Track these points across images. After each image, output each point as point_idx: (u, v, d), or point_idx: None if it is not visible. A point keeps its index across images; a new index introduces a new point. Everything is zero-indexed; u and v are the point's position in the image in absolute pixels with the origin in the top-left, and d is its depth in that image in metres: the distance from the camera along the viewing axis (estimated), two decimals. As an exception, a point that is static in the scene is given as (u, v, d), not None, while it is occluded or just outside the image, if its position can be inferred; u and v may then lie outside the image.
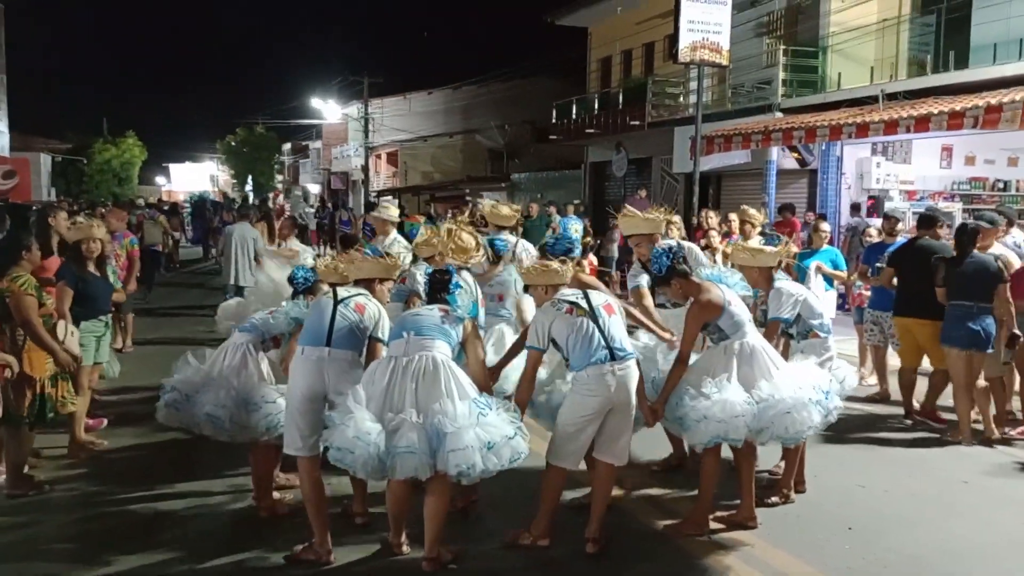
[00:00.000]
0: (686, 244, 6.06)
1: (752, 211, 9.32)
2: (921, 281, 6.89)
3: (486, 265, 5.59)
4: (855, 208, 14.45)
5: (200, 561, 4.45)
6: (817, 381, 4.71)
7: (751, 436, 4.61)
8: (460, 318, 4.37)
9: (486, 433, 3.97)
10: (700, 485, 4.87)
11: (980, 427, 6.86)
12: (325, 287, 4.94)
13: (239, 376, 4.87)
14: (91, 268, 6.36)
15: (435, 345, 4.19)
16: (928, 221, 7.37)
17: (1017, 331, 6.64)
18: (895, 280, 7.34)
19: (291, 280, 5.30)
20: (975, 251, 6.66)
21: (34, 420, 5.32)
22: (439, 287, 4.48)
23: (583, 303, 4.46)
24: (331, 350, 4.40)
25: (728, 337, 4.70)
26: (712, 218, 11.78)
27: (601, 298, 4.58)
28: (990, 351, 6.60)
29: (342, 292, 4.58)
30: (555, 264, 4.68)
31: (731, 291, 4.85)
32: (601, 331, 4.40)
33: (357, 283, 4.74)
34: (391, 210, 8.47)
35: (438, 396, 4.04)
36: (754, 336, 4.75)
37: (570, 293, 4.55)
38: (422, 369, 4.10)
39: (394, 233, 8.13)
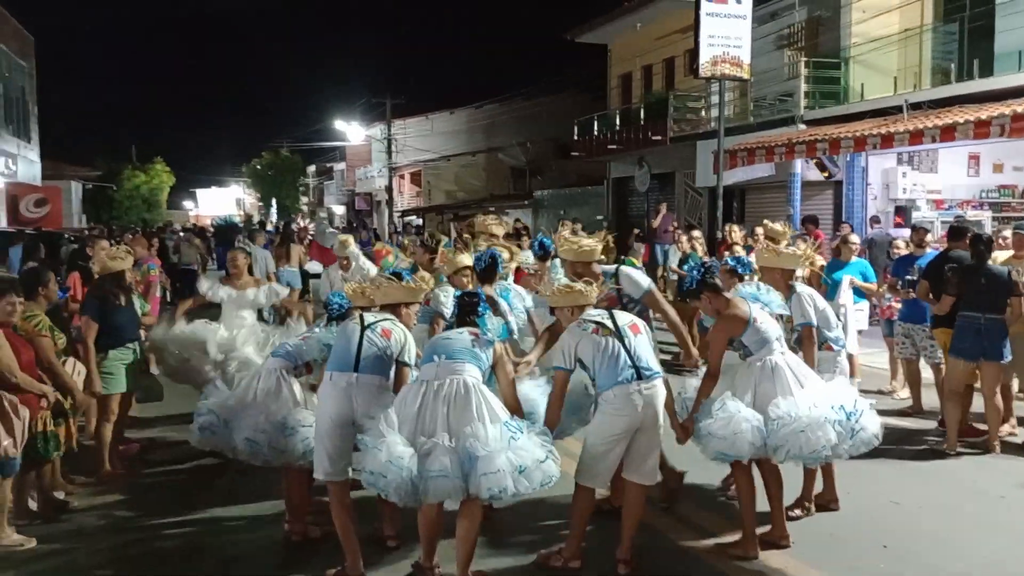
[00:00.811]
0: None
1: (776, 226, 9.23)
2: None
3: (535, 263, 5.56)
4: (875, 220, 14.31)
5: (234, 586, 4.49)
6: (841, 400, 4.66)
7: (768, 454, 4.59)
8: (490, 341, 4.39)
9: (518, 457, 3.97)
10: (740, 506, 4.83)
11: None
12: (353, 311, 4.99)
13: (276, 401, 4.90)
14: (116, 297, 6.40)
15: (466, 369, 4.21)
16: (958, 233, 7.31)
17: None
18: (930, 293, 7.25)
19: (326, 306, 5.32)
20: (990, 264, 6.66)
21: (34, 458, 5.19)
22: (468, 310, 4.51)
23: (608, 323, 4.47)
24: (359, 375, 4.43)
25: (752, 353, 4.71)
26: (736, 232, 11.74)
27: (627, 318, 4.60)
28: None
29: (369, 318, 4.61)
30: (580, 285, 4.70)
31: (760, 308, 4.85)
32: (627, 350, 4.41)
33: (383, 308, 4.77)
34: (349, 246, 9.34)
35: (470, 420, 4.05)
36: (780, 354, 4.74)
37: (596, 313, 4.56)
38: (453, 393, 4.12)
39: (356, 264, 9.06)
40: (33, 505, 5.47)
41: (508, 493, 3.95)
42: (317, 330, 5.24)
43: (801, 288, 5.40)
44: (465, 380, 4.16)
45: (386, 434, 4.05)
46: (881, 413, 7.72)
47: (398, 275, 5.00)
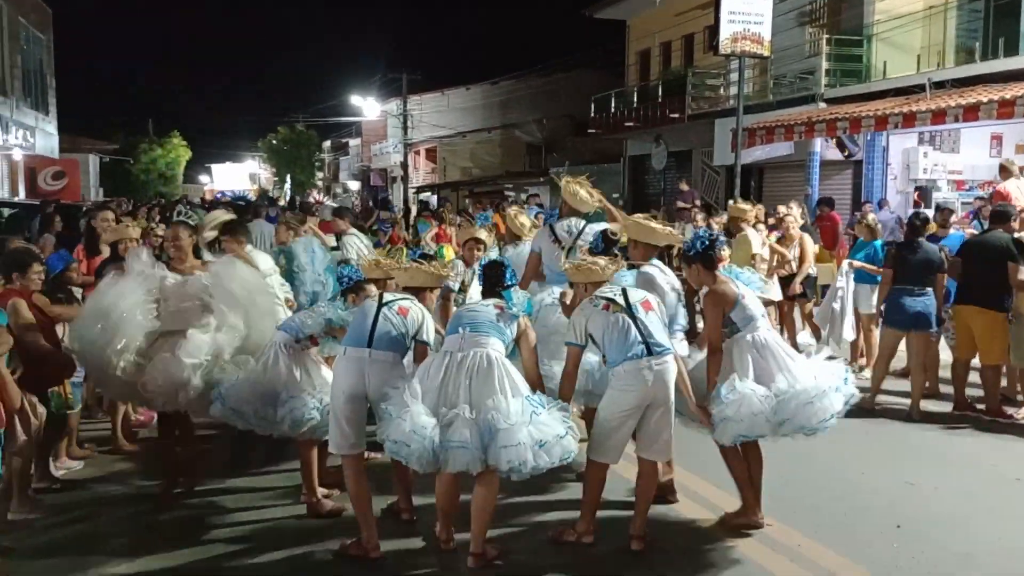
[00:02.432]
0: None
1: (744, 205, 9.34)
2: (989, 273, 6.96)
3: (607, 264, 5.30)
4: (881, 204, 14.05)
5: (251, 556, 4.54)
6: (833, 368, 4.74)
7: (773, 429, 4.62)
8: (515, 315, 4.38)
9: (538, 431, 4.00)
10: (737, 483, 4.88)
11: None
12: (372, 289, 5.01)
13: (269, 372, 4.93)
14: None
15: (489, 342, 4.23)
16: (1002, 216, 7.33)
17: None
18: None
19: (338, 278, 5.34)
20: (921, 240, 7.24)
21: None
22: (494, 280, 4.51)
23: (620, 299, 4.47)
24: (372, 351, 4.44)
25: (740, 330, 4.74)
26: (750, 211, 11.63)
27: (639, 295, 4.58)
28: None
29: (387, 296, 4.63)
30: (601, 261, 4.69)
31: (745, 287, 4.90)
32: (638, 327, 4.41)
33: (406, 290, 4.76)
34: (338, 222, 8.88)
35: (491, 392, 4.08)
36: (766, 330, 4.77)
37: (608, 290, 4.55)
38: (476, 365, 4.15)
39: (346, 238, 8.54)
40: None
41: (528, 467, 3.98)
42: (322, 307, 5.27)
43: (649, 269, 5.18)
44: (488, 353, 4.18)
45: (410, 404, 4.08)
46: (897, 395, 7.81)
47: (428, 257, 5.00)
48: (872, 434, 6.77)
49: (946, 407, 7.43)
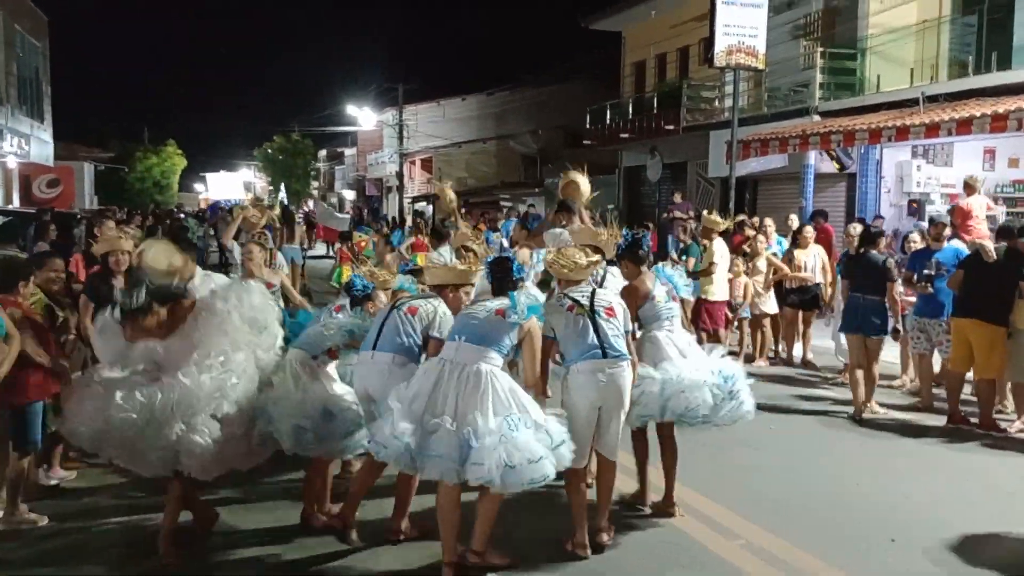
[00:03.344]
0: None
1: (715, 217, 9.84)
2: (990, 285, 7.02)
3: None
4: (878, 217, 13.92)
5: (246, 567, 4.53)
6: (721, 368, 5.08)
7: (660, 411, 4.94)
8: (515, 323, 4.32)
9: (507, 454, 3.96)
10: (637, 464, 5.33)
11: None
12: (382, 297, 5.11)
13: (303, 390, 4.73)
14: (119, 281, 6.10)
15: (483, 355, 4.21)
16: (1007, 232, 7.39)
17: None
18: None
19: (348, 289, 5.30)
20: (872, 250, 7.70)
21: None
22: (501, 276, 4.50)
23: (585, 302, 4.63)
24: (375, 353, 4.58)
25: (643, 326, 5.12)
26: (746, 224, 11.76)
27: (606, 300, 4.74)
28: None
29: (403, 298, 4.77)
30: (582, 260, 4.83)
31: (666, 288, 5.24)
32: (596, 330, 4.57)
33: (432, 288, 4.81)
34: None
35: (474, 407, 4.07)
36: (668, 332, 5.11)
37: (578, 292, 4.70)
38: (466, 378, 4.15)
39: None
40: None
41: (496, 485, 3.98)
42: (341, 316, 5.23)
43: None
44: (479, 368, 4.16)
45: (393, 408, 4.14)
46: (891, 407, 7.83)
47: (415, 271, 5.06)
48: (867, 446, 6.78)
49: (940, 420, 7.45)
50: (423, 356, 4.61)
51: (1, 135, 21.42)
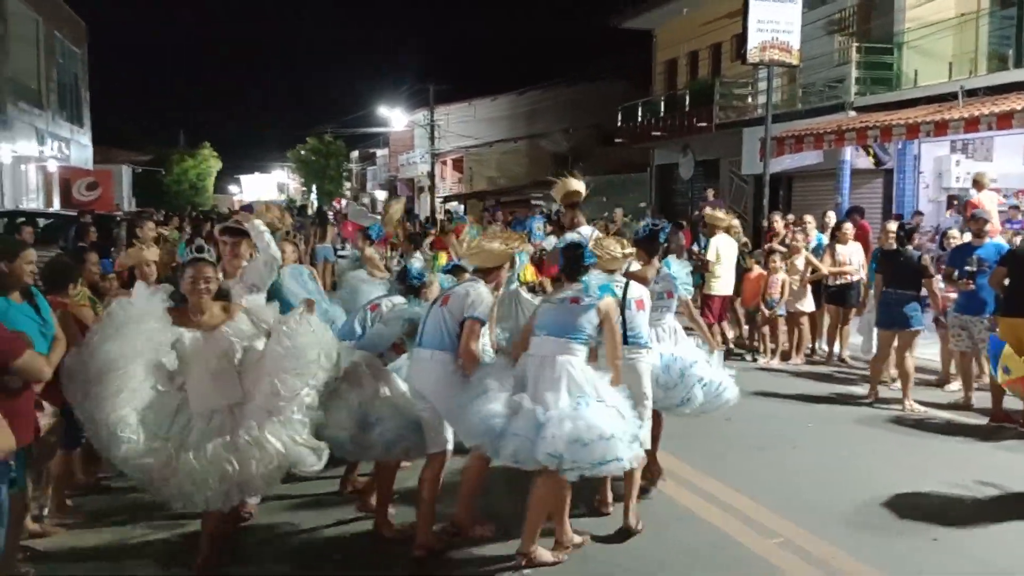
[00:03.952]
0: None
1: (719, 214, 10.19)
2: None
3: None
4: (918, 214, 13.68)
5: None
6: (679, 354, 5.36)
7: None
8: (591, 305, 4.39)
9: (578, 429, 4.01)
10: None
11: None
12: (436, 286, 5.20)
13: (356, 395, 4.65)
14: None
15: (566, 346, 4.32)
16: None
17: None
18: (1006, 281, 7.09)
19: (405, 277, 5.25)
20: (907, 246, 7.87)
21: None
22: (574, 262, 4.54)
23: (619, 291, 4.76)
24: (418, 349, 4.63)
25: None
26: (778, 222, 11.66)
27: (638, 293, 4.91)
28: None
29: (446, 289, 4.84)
30: (617, 251, 5.02)
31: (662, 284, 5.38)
32: (624, 320, 4.72)
33: (476, 273, 4.76)
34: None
35: (548, 389, 4.20)
36: (656, 321, 5.31)
37: (613, 283, 4.82)
38: (545, 367, 4.28)
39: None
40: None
41: (564, 461, 4.01)
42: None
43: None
44: (557, 360, 4.27)
45: (488, 391, 4.25)
46: (932, 406, 7.73)
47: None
48: (906, 445, 6.69)
49: (981, 419, 7.33)
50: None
51: (42, 139, 21.86)
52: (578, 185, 7.01)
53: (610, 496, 5.12)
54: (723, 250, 9.97)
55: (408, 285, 5.20)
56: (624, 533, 4.78)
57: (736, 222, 10.65)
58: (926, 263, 7.73)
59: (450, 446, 4.61)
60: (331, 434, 4.43)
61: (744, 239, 11.08)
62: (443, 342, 4.53)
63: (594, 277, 4.56)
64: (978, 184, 11.41)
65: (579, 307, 4.38)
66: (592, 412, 4.08)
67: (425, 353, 4.58)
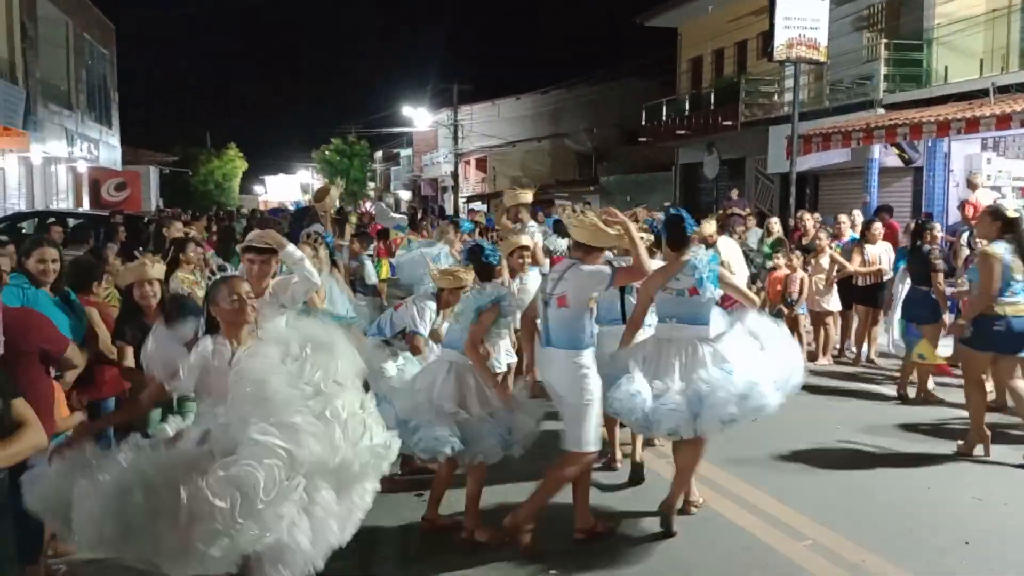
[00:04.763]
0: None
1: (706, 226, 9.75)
2: None
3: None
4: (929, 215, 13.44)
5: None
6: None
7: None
8: (702, 280, 4.72)
9: (735, 387, 4.49)
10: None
11: None
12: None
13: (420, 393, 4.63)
14: (152, 321, 4.56)
15: (697, 331, 4.72)
16: None
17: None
18: None
19: (475, 257, 5.10)
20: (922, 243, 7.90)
21: None
22: (678, 234, 4.87)
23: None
24: (548, 349, 4.62)
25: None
26: (807, 220, 11.54)
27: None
28: None
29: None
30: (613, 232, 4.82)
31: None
32: (623, 302, 5.29)
33: (575, 248, 4.61)
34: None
35: (697, 367, 4.60)
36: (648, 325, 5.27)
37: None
38: (684, 351, 4.67)
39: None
40: None
41: (736, 419, 4.51)
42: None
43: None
44: (694, 342, 4.68)
45: (632, 371, 4.57)
46: (963, 407, 7.58)
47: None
48: (937, 448, 6.57)
49: (1013, 419, 7.20)
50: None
51: (72, 140, 22.17)
52: (528, 197, 8.14)
53: (619, 453, 5.66)
54: (727, 253, 9.69)
55: (482, 266, 5.04)
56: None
57: (751, 221, 10.54)
58: (932, 257, 7.74)
59: (592, 447, 4.50)
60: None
61: (782, 237, 10.99)
62: (571, 340, 4.44)
63: (697, 258, 4.79)
64: (972, 184, 11.67)
65: (699, 299, 4.73)
66: (739, 373, 4.54)
67: (558, 353, 4.46)
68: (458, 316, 4.81)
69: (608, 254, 4.90)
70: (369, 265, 9.38)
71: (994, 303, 5.97)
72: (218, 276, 3.77)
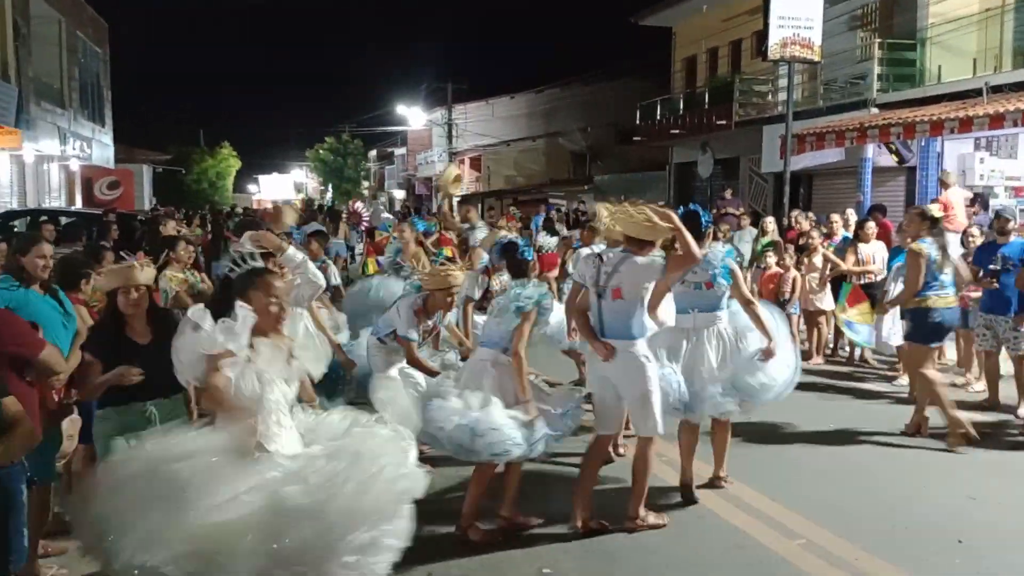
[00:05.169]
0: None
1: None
2: None
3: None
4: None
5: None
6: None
7: None
8: (715, 276, 5.05)
9: (764, 374, 5.06)
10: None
11: None
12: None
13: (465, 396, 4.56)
14: (134, 329, 4.14)
15: (716, 318, 5.11)
16: None
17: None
18: None
19: (510, 253, 5.11)
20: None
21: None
22: (694, 230, 4.92)
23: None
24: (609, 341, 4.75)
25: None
26: (803, 221, 11.57)
27: None
28: None
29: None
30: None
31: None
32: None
33: (626, 241, 4.70)
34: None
35: (729, 355, 5.08)
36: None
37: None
38: (712, 338, 5.11)
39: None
40: None
41: (765, 398, 5.17)
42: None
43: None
44: (717, 328, 5.13)
45: (664, 365, 4.88)
46: (957, 406, 7.61)
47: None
48: (931, 446, 6.58)
49: (1006, 418, 7.22)
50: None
51: (64, 138, 22.07)
52: (453, 172, 8.34)
53: (620, 437, 5.74)
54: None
55: (516, 263, 5.01)
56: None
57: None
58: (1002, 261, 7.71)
59: (659, 431, 4.74)
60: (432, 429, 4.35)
61: (777, 239, 11.02)
62: (627, 330, 4.60)
63: (713, 253, 5.03)
64: (943, 183, 11.92)
65: (714, 292, 5.08)
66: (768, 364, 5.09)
67: (619, 344, 4.59)
68: (498, 314, 4.76)
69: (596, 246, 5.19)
70: (333, 267, 9.14)
71: (923, 298, 6.53)
72: (248, 266, 3.57)
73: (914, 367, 6.86)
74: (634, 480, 4.81)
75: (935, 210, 6.86)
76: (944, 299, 6.57)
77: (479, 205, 35.08)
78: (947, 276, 6.60)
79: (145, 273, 4.17)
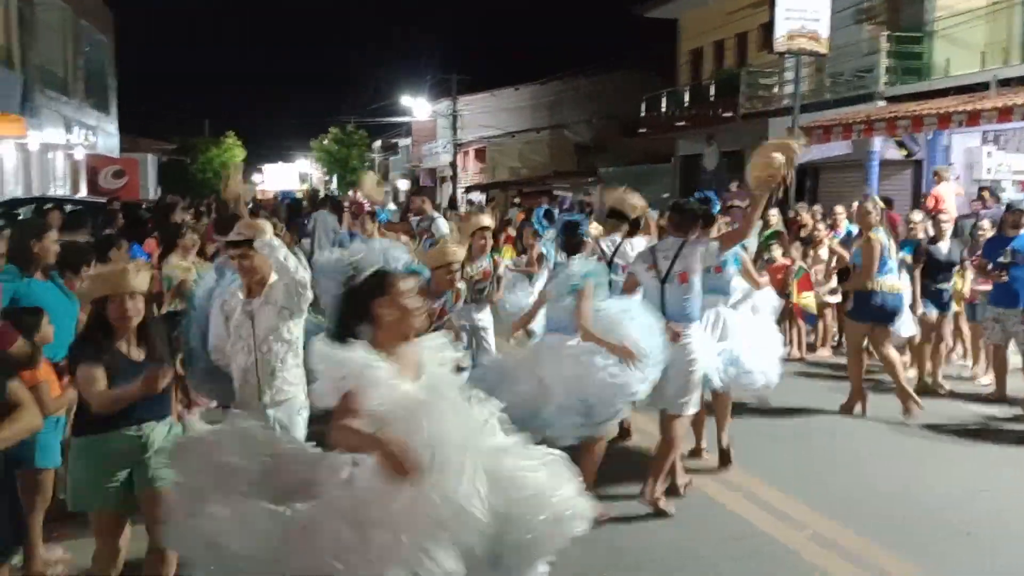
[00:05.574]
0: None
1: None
2: None
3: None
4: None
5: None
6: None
7: None
8: (724, 262, 5.46)
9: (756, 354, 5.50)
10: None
11: None
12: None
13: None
14: (125, 344, 3.58)
15: (718, 299, 5.47)
16: None
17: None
18: None
19: (571, 232, 5.06)
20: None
21: None
22: (707, 215, 5.42)
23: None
24: (671, 323, 4.94)
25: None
26: (804, 213, 11.53)
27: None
28: None
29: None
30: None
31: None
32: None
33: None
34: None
35: (737, 334, 5.49)
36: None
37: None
38: (715, 321, 5.48)
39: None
40: None
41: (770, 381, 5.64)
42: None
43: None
44: (717, 310, 5.51)
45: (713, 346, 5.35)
46: (964, 399, 7.61)
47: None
48: (939, 439, 6.58)
49: (1015, 411, 7.21)
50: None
51: (69, 127, 22.07)
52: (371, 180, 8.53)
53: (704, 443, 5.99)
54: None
55: (573, 241, 5.03)
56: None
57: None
58: (922, 251, 8.03)
59: (692, 410, 4.97)
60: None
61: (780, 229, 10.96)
62: (689, 313, 4.89)
63: (703, 248, 4.96)
64: (938, 177, 12.11)
65: (723, 276, 5.51)
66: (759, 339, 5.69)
67: (678, 327, 4.81)
68: (555, 300, 4.82)
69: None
70: (303, 259, 9.10)
71: (872, 281, 6.91)
72: (377, 269, 3.31)
73: (852, 343, 7.40)
74: (658, 457, 4.94)
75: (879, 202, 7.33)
76: (890, 285, 7.00)
77: (483, 195, 35.13)
78: (893, 261, 7.09)
79: (140, 278, 3.58)
